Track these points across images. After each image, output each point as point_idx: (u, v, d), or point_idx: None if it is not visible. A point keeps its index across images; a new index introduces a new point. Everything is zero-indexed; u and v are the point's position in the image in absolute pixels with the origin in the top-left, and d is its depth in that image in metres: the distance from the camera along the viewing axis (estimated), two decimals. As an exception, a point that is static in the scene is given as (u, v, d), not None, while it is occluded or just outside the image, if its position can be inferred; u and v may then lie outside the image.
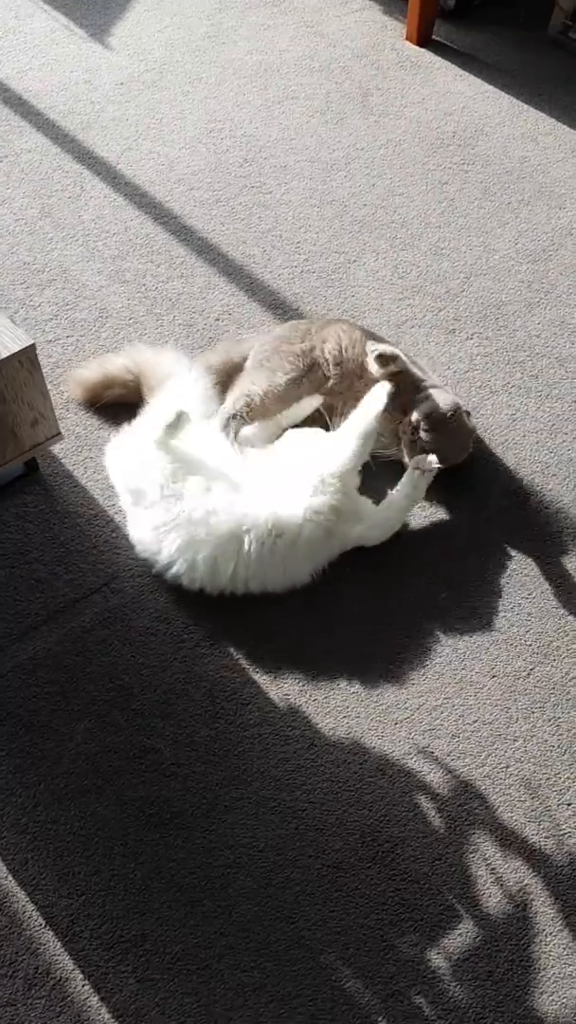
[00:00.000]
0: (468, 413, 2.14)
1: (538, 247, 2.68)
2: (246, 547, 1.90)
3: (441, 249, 2.67)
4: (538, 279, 2.61)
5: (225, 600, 1.98)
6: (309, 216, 2.72)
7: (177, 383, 2.15)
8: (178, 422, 1.93)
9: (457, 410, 2.08)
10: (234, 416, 2.10)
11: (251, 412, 2.11)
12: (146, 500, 1.96)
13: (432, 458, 2.04)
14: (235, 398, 2.14)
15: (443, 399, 2.08)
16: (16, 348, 1.84)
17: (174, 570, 1.96)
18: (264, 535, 1.91)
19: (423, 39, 3.23)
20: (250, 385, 2.13)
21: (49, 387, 2.28)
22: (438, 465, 2.03)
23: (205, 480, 1.93)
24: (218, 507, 1.91)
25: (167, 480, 1.93)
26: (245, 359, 2.23)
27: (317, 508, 1.93)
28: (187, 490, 1.93)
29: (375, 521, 2.03)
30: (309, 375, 2.14)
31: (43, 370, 2.29)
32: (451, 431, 2.08)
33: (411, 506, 2.07)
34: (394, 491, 2.06)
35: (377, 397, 1.99)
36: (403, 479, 2.05)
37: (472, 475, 2.21)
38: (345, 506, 1.96)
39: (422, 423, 2.06)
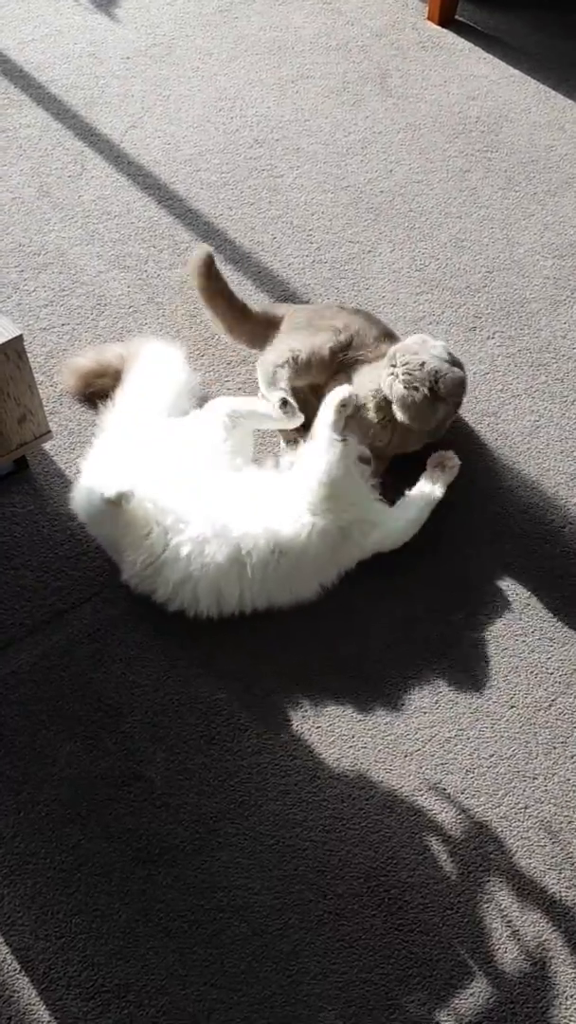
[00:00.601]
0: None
1: (565, 241, 2.53)
2: (249, 572, 1.78)
3: (462, 241, 2.52)
4: (565, 275, 2.46)
5: (225, 618, 1.84)
6: (322, 202, 2.58)
7: (148, 375, 2.03)
8: (121, 500, 1.76)
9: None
10: (281, 366, 2.00)
11: (296, 368, 2.00)
12: (122, 551, 1.84)
13: (451, 453, 1.98)
14: (279, 352, 2.03)
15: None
16: (2, 339, 1.69)
17: (175, 605, 1.82)
18: (267, 556, 1.78)
19: (445, 19, 3.08)
20: (293, 343, 2.03)
21: (42, 379, 2.15)
22: (458, 462, 1.98)
23: (171, 526, 1.79)
24: (209, 534, 1.78)
25: (131, 536, 1.81)
26: (279, 319, 2.13)
27: (320, 529, 1.81)
28: (155, 539, 1.79)
29: (391, 527, 1.90)
30: (344, 352, 2.03)
31: (35, 360, 2.17)
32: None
33: (430, 506, 1.94)
34: (411, 491, 1.94)
35: (334, 395, 1.87)
36: (421, 477, 1.96)
37: (490, 486, 2.07)
38: (351, 521, 1.84)
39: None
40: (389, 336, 2.08)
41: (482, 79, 2.94)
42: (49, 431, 1.94)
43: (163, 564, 1.79)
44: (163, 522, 1.78)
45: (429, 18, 3.09)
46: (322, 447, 1.83)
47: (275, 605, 1.84)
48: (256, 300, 2.34)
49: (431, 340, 1.95)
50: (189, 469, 1.86)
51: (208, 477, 1.86)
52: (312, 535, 1.80)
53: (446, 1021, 1.48)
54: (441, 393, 1.88)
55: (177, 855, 1.61)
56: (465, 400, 2.00)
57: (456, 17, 3.10)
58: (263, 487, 1.87)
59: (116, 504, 1.76)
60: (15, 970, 1.51)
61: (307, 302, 2.35)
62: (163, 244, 2.45)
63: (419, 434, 1.98)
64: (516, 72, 2.97)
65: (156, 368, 2.05)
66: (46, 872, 1.59)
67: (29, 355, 1.83)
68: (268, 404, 2.01)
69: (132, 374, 2.05)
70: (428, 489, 1.94)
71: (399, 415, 1.92)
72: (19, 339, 1.72)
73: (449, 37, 3.06)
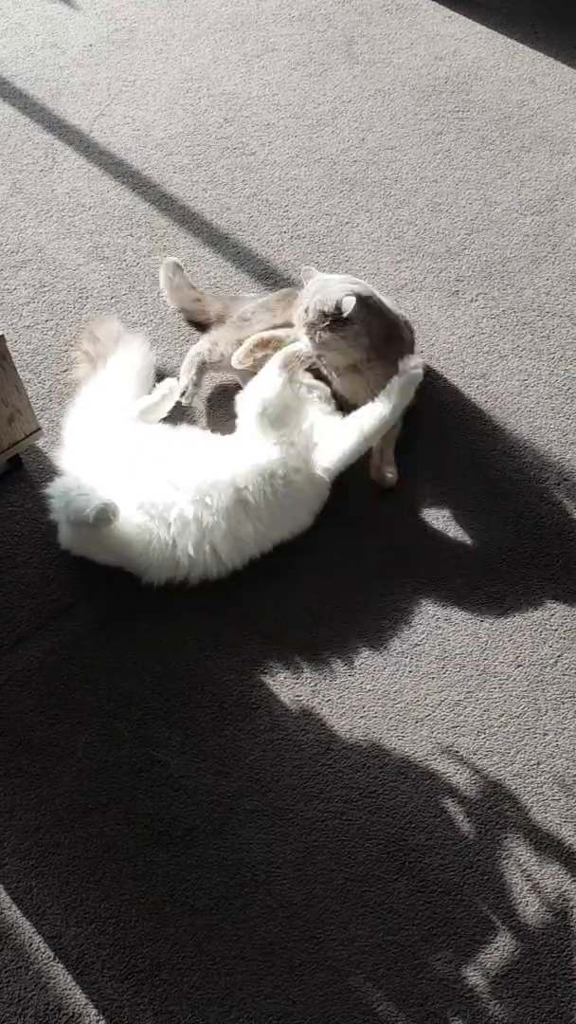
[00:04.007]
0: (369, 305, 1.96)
1: (542, 197, 2.52)
2: (252, 502, 1.83)
3: (439, 205, 2.51)
4: (544, 232, 2.45)
5: (229, 598, 1.86)
6: (296, 177, 2.57)
7: (117, 363, 2.06)
8: (107, 515, 1.77)
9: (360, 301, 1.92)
10: (198, 355, 2.11)
11: (212, 360, 2.11)
12: (133, 559, 1.85)
13: (417, 360, 1.98)
14: (201, 343, 2.15)
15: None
16: (-16, 341, 1.70)
17: (201, 569, 1.85)
18: (262, 485, 1.84)
19: (408, -21, 3.04)
20: (220, 334, 2.13)
21: (30, 376, 2.16)
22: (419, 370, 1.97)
23: (165, 509, 1.82)
24: (205, 487, 1.82)
25: (136, 546, 1.83)
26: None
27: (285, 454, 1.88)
28: (159, 533, 1.82)
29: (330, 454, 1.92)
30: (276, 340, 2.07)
31: (22, 358, 2.17)
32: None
33: (384, 427, 1.95)
34: (356, 415, 1.96)
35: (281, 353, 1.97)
36: (385, 390, 1.95)
37: (484, 447, 2.08)
38: (299, 446, 1.90)
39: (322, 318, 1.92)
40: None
41: (448, 38, 2.91)
42: (39, 428, 1.95)
43: (176, 541, 1.81)
44: (155, 513, 1.80)
45: (391, -20, 3.06)
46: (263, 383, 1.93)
47: (284, 534, 1.89)
48: (237, 281, 2.35)
49: (316, 283, 1.98)
50: (153, 457, 1.88)
51: (174, 450, 1.89)
52: (283, 460, 1.86)
53: (472, 976, 1.51)
54: (340, 317, 1.90)
55: (198, 835, 1.63)
56: (418, 342, 2.06)
57: (418, -23, 3.07)
58: (228, 439, 1.94)
59: (104, 523, 1.77)
60: (49, 958, 1.54)
61: (288, 279, 2.35)
62: (140, 232, 2.45)
63: (366, 370, 1.99)
64: (483, 28, 2.94)
65: (118, 372, 2.06)
66: (72, 861, 1.62)
67: (15, 353, 1.84)
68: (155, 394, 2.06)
69: (98, 375, 2.07)
70: (390, 400, 1.94)
71: (332, 360, 1.99)
72: (1, 340, 1.72)
73: (412, -2, 3.03)
